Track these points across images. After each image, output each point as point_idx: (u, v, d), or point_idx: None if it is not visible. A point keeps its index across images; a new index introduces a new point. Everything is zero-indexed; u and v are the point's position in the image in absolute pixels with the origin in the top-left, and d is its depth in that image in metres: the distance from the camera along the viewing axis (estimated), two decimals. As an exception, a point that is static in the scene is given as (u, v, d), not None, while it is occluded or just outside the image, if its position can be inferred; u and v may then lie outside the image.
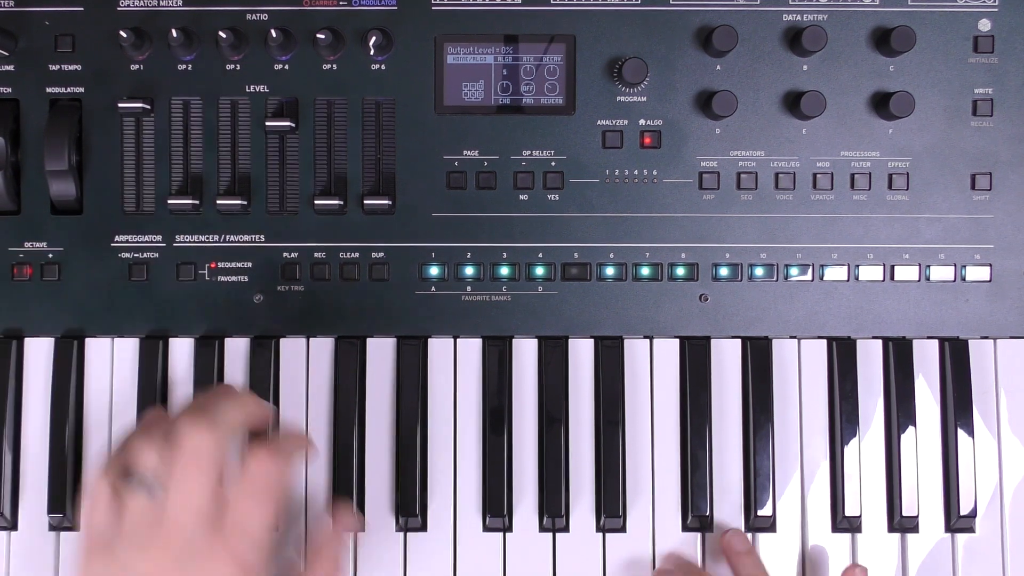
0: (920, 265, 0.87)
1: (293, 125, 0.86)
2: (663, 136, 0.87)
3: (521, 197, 0.87)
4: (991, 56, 0.87)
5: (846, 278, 0.87)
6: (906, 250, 0.87)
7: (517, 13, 0.87)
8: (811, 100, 0.85)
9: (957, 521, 0.86)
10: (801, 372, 0.87)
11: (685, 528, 0.86)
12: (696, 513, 0.85)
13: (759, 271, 0.87)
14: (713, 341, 0.87)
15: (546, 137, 0.87)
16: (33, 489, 0.86)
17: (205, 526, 0.67)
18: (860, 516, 0.85)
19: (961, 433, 0.86)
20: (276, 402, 0.86)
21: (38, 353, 0.87)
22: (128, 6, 0.87)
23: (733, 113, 0.85)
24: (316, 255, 0.87)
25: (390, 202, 0.86)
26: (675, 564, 0.85)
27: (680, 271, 0.87)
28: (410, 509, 0.84)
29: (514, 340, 0.87)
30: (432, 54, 0.87)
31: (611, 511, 0.84)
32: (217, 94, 0.87)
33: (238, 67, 0.87)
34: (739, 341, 0.88)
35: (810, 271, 0.87)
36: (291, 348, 0.87)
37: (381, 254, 0.87)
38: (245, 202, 0.86)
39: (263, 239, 0.87)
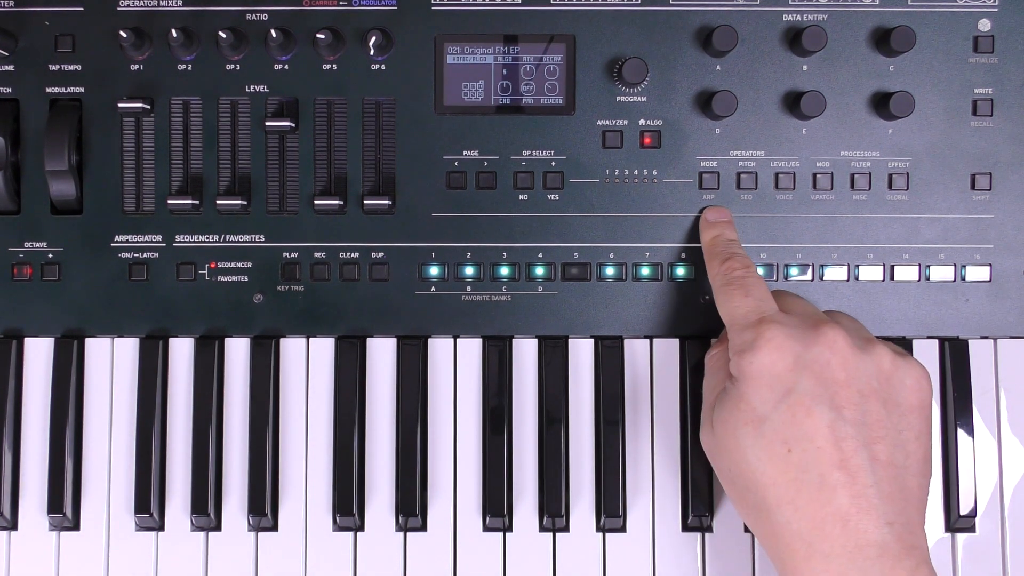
0: (920, 265, 0.87)
1: (293, 125, 0.86)
2: (663, 136, 0.87)
3: (521, 197, 0.87)
4: (991, 56, 0.87)
5: (846, 278, 0.87)
6: (906, 250, 0.87)
7: (517, 13, 0.87)
8: (811, 100, 0.85)
9: (957, 521, 0.86)
10: (801, 372, 0.87)
11: (685, 528, 0.86)
12: (696, 513, 0.85)
13: (759, 271, 0.87)
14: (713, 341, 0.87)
15: (546, 137, 0.87)
16: (33, 489, 0.86)
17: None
18: (860, 516, 0.85)
19: (961, 433, 0.86)
20: (276, 402, 0.86)
21: (38, 353, 0.87)
22: (128, 6, 0.87)
23: (733, 113, 0.85)
24: (316, 255, 0.87)
25: (390, 202, 0.86)
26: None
27: (680, 271, 0.87)
28: (410, 509, 0.84)
29: (514, 340, 0.87)
30: (432, 54, 0.87)
31: (611, 511, 0.84)
32: (217, 94, 0.87)
33: (238, 67, 0.87)
34: (739, 341, 0.87)
35: (810, 271, 0.87)
36: (291, 348, 0.87)
37: (381, 254, 0.87)
38: (245, 202, 0.86)
39: (263, 239, 0.87)
